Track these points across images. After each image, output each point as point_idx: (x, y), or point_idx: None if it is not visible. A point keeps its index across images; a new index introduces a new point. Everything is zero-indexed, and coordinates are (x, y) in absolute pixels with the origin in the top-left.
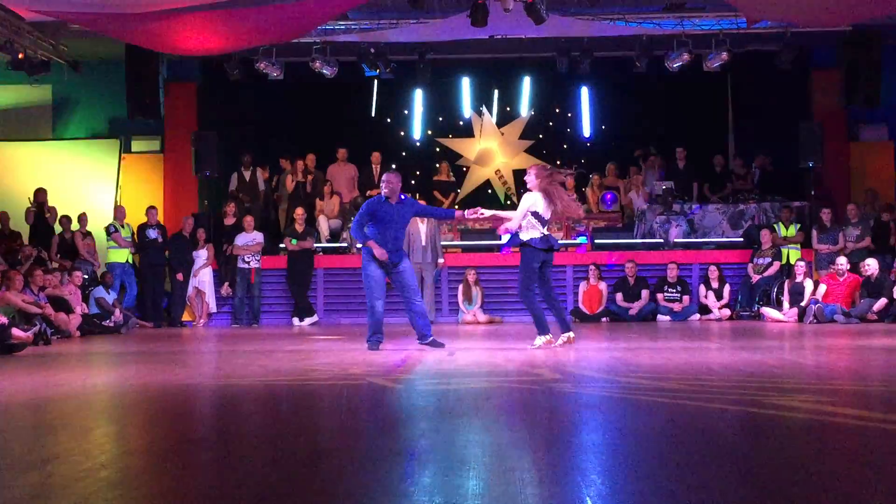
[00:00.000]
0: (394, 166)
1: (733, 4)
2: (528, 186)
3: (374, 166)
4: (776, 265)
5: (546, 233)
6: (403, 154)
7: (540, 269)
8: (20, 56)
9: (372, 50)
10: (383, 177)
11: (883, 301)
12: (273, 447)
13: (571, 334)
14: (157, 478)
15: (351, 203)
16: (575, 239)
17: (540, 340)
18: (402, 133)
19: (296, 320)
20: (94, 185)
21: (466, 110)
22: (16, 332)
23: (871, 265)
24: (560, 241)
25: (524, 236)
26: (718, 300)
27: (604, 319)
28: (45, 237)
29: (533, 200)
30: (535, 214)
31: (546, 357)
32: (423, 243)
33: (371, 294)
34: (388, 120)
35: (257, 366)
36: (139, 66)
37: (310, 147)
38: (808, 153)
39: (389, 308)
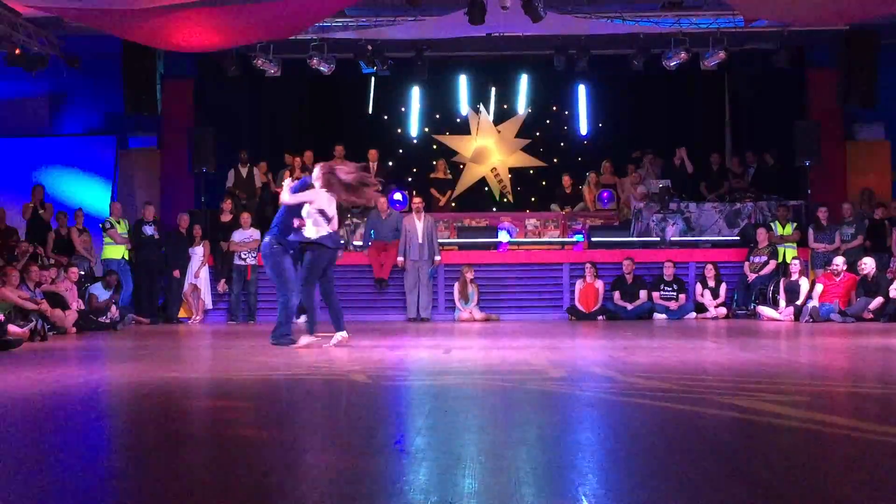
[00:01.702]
0: (390, 163)
1: (731, 3)
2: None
3: (371, 163)
4: (772, 264)
5: (331, 231)
6: (400, 151)
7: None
8: (17, 51)
9: (369, 47)
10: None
11: (879, 300)
12: (266, 443)
13: (346, 334)
14: (152, 474)
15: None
16: (571, 237)
17: (306, 340)
18: (399, 130)
19: None
20: (91, 180)
21: (463, 108)
22: (12, 328)
23: (868, 264)
24: (557, 239)
25: (313, 234)
26: (715, 299)
27: (600, 318)
28: (42, 233)
29: (314, 196)
30: (321, 212)
31: (542, 355)
32: (420, 241)
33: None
34: (386, 117)
35: (253, 362)
36: (136, 62)
37: (307, 144)
38: (804, 152)
39: (387, 305)
